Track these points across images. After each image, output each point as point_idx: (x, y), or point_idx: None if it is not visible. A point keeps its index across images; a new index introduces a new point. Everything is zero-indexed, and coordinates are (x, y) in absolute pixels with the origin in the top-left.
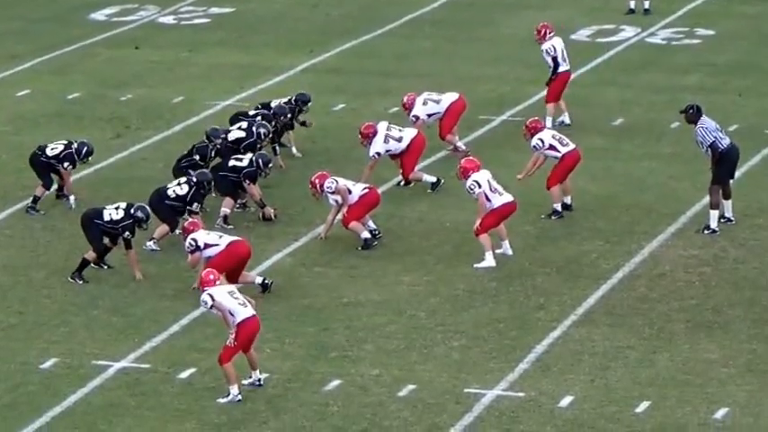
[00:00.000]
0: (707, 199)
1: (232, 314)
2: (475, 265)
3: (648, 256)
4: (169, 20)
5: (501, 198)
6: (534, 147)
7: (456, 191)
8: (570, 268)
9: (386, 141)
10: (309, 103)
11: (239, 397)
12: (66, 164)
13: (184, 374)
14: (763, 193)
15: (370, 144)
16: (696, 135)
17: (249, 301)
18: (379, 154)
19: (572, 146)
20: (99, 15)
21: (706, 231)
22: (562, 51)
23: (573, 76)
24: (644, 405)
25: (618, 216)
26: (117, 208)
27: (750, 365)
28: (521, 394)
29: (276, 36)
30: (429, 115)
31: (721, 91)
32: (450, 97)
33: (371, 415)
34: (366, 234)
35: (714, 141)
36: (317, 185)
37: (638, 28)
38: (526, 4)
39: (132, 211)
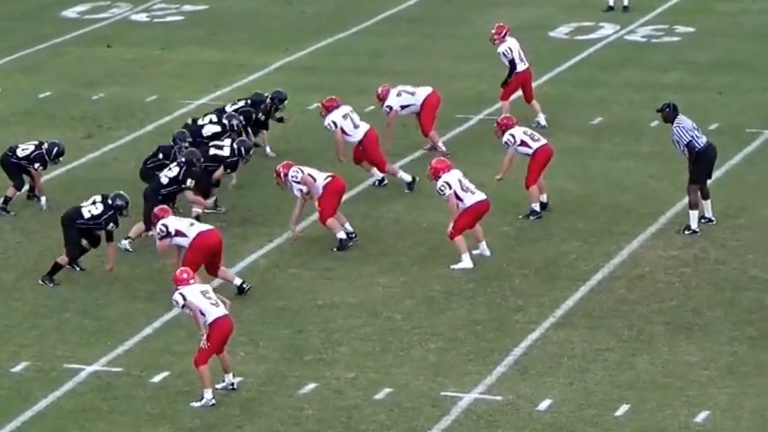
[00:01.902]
0: (687, 199)
1: (203, 314)
2: (452, 267)
3: (628, 257)
4: (142, 17)
5: (473, 197)
6: (506, 143)
7: (432, 191)
8: (548, 269)
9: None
10: (286, 101)
11: (213, 401)
12: (36, 165)
13: (157, 378)
14: (745, 193)
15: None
16: (672, 134)
17: (223, 301)
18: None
19: (543, 141)
20: (70, 13)
21: (686, 232)
22: (519, 51)
23: (551, 74)
24: (623, 408)
25: (597, 216)
26: (94, 203)
27: (731, 368)
28: (498, 398)
29: (250, 34)
30: (403, 107)
31: (702, 89)
32: (424, 91)
33: (347, 419)
34: (342, 234)
35: (691, 141)
36: (282, 174)
37: (618, 25)
38: (503, 2)
39: (110, 201)
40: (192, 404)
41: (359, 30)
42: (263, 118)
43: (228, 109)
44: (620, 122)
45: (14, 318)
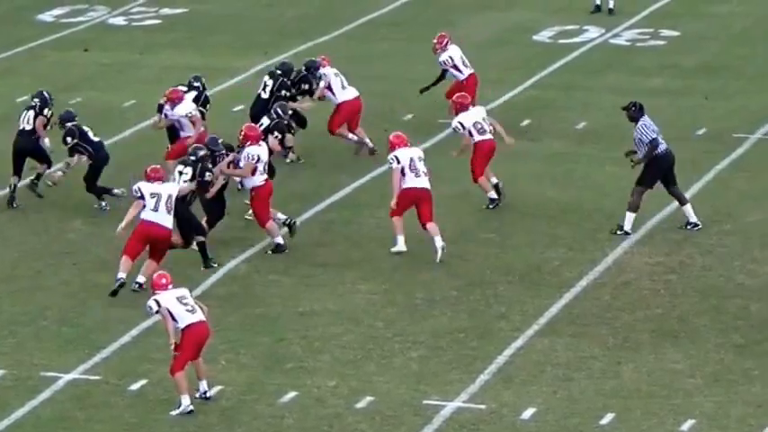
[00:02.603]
0: (674, 205)
1: (175, 320)
2: (391, 249)
3: (612, 264)
4: (119, 21)
5: (415, 180)
6: (454, 129)
7: None
8: (532, 276)
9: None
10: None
11: (191, 408)
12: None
13: (135, 386)
14: (731, 199)
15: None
16: (636, 132)
17: (201, 308)
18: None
19: (488, 136)
20: (47, 16)
21: (619, 232)
22: (461, 58)
23: (535, 78)
24: (608, 417)
25: (581, 222)
26: (180, 173)
27: (717, 376)
28: (482, 406)
29: (230, 37)
30: (328, 88)
31: (687, 93)
32: (351, 93)
33: (328, 427)
34: (279, 240)
35: (655, 139)
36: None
37: (602, 29)
38: (485, 5)
39: (193, 157)
40: (171, 413)
41: (339, 34)
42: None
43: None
44: (605, 127)
45: None
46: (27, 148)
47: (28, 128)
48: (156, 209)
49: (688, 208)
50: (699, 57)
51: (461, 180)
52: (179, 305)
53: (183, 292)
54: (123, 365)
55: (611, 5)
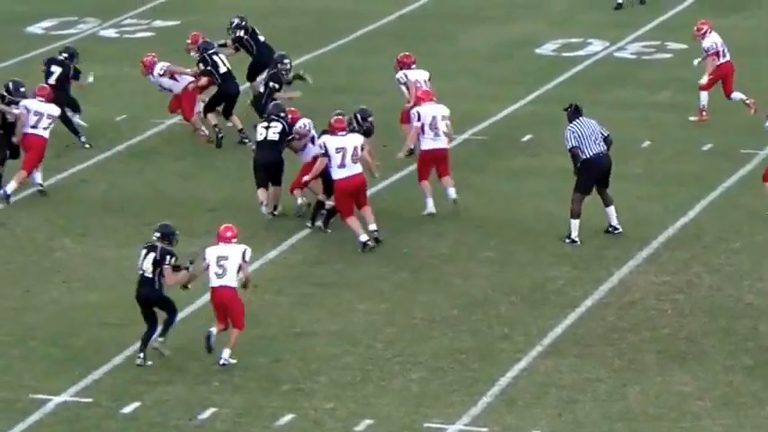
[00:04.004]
0: (681, 222)
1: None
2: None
3: (618, 283)
4: (111, 33)
5: (433, 142)
6: (410, 116)
7: (413, 215)
8: (536, 296)
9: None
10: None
11: None
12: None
13: (128, 409)
14: (740, 216)
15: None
16: (563, 135)
17: (245, 273)
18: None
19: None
20: (36, 29)
21: (567, 240)
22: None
23: (537, 93)
24: None
25: (586, 240)
26: (268, 127)
27: (726, 398)
28: (484, 429)
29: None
30: (170, 77)
31: (694, 108)
32: (188, 80)
33: None
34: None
35: (575, 147)
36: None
37: (607, 42)
38: (486, 17)
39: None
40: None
41: (336, 46)
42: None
43: None
44: None
45: None
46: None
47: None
48: (343, 164)
49: (611, 210)
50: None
51: (460, 196)
52: (215, 265)
53: (229, 252)
54: (116, 387)
55: None
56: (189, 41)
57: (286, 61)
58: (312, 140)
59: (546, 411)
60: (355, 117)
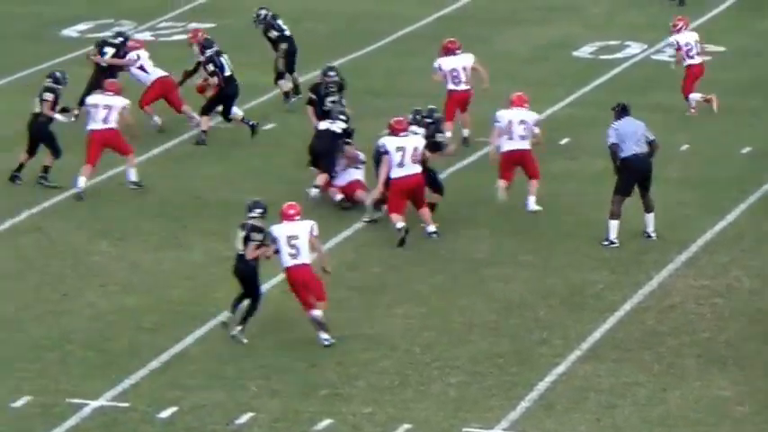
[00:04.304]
0: (719, 226)
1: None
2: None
3: (657, 287)
4: (146, 36)
5: (511, 143)
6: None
7: (451, 218)
8: (575, 300)
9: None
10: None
11: None
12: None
13: (165, 413)
14: None
15: None
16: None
17: (317, 248)
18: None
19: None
20: (71, 32)
21: (605, 243)
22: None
23: (575, 96)
24: None
25: (624, 244)
26: (334, 122)
27: (766, 403)
28: None
29: (259, 53)
30: (140, 67)
31: (733, 111)
32: (159, 72)
33: None
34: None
35: (614, 145)
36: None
37: (645, 44)
38: (522, 20)
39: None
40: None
41: (372, 49)
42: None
43: None
44: None
45: (15, 350)
46: (38, 132)
47: (37, 111)
48: (402, 164)
49: (650, 217)
50: (744, 73)
51: (496, 204)
52: (286, 245)
53: (298, 230)
54: (153, 392)
55: None
56: (189, 35)
57: (331, 74)
58: (358, 163)
59: (585, 416)
60: (416, 115)
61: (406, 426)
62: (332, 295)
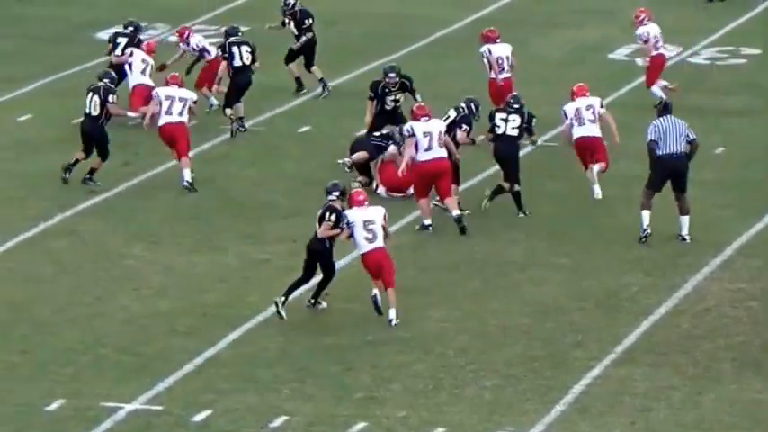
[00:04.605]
0: (755, 229)
1: (355, 241)
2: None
3: (692, 290)
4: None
5: (581, 129)
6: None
7: (486, 221)
8: (609, 303)
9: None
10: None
11: None
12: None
13: (199, 417)
14: None
15: None
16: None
17: (386, 231)
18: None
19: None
20: (105, 35)
21: (641, 234)
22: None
23: (610, 98)
24: None
25: (660, 247)
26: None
27: None
28: None
29: None
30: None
31: None
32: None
33: None
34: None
35: (653, 141)
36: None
37: (680, 47)
38: (558, 23)
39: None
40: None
41: (408, 52)
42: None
43: None
44: None
45: (49, 354)
46: (93, 133)
47: (94, 113)
48: (429, 147)
49: (685, 219)
50: None
51: (532, 204)
52: (362, 230)
53: (373, 215)
54: (187, 395)
55: None
56: (176, 32)
57: (392, 75)
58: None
59: (619, 419)
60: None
61: (441, 429)
62: (367, 298)
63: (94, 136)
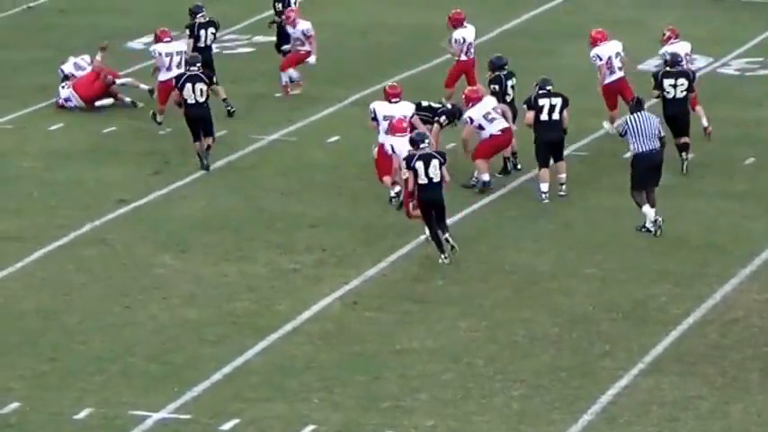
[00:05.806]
0: None
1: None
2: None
3: (721, 301)
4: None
5: (612, 76)
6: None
7: (515, 232)
8: (637, 313)
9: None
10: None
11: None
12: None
13: (227, 426)
14: None
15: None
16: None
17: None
18: None
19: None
20: (136, 44)
21: (642, 230)
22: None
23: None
24: None
25: (688, 258)
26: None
27: None
28: None
29: (323, 66)
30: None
31: None
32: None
33: None
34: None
35: (626, 134)
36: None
37: (710, 58)
38: (587, 33)
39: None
40: None
41: (438, 63)
42: None
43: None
44: (713, 160)
45: (78, 362)
46: (205, 117)
47: (201, 99)
48: (492, 119)
49: (651, 212)
50: None
51: (562, 212)
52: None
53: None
54: (215, 404)
55: None
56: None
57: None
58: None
59: (647, 429)
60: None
61: None
62: (395, 308)
63: (209, 119)
